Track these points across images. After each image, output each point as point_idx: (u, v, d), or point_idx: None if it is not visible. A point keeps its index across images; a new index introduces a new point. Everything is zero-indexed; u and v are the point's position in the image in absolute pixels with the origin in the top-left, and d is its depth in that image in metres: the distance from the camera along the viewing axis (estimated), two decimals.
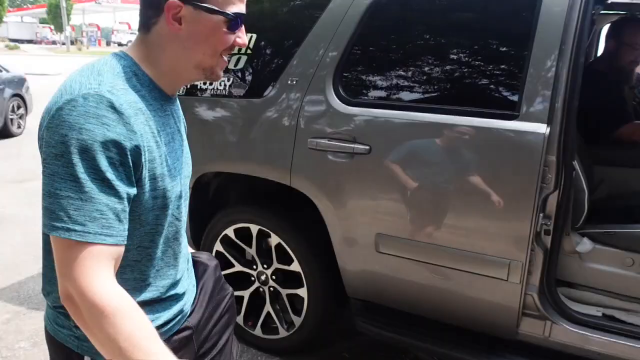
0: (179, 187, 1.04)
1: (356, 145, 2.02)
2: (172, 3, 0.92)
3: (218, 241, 2.54)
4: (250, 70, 2.46)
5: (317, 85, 2.15)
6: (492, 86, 1.99)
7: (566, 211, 1.92)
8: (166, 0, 0.92)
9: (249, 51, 2.43)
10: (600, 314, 1.99)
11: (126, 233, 0.89)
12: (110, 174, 0.85)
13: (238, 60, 2.45)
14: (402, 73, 2.10)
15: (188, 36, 0.95)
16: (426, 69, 2.07)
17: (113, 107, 0.86)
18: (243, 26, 0.99)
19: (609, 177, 2.56)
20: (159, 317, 1.06)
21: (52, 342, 1.04)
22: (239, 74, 2.46)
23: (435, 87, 2.05)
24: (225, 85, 2.48)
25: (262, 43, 2.42)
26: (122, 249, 0.89)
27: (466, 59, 2.03)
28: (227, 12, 0.95)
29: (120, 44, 47.74)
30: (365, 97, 2.14)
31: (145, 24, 0.97)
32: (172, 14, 0.93)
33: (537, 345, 1.99)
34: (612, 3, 2.96)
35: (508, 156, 1.84)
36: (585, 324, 1.91)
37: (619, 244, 2.05)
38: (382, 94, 2.12)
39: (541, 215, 1.82)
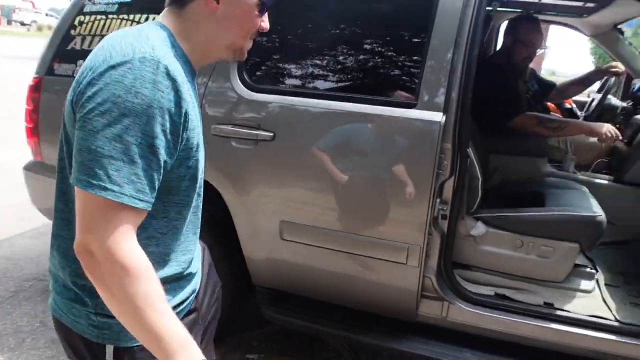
0: (204, 161, 1.08)
1: (260, 132, 2.00)
2: None
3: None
4: None
5: (221, 71, 2.10)
6: (393, 76, 2.04)
7: (461, 196, 2.01)
8: None
9: None
10: (492, 293, 2.11)
11: (153, 200, 0.90)
12: (158, 141, 0.87)
13: None
14: (307, 61, 2.11)
15: (224, 16, 0.97)
16: (330, 58, 2.08)
17: (168, 74, 0.88)
18: (267, 12, 1.04)
19: (503, 165, 2.72)
20: (177, 296, 1.07)
21: (69, 333, 1.02)
22: None
23: (339, 75, 2.07)
24: None
25: None
26: (145, 214, 0.91)
27: (368, 49, 2.06)
28: None
29: (23, 24, 44.20)
30: (270, 84, 2.12)
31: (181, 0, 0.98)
32: None
33: (437, 327, 2.08)
34: (508, 1, 3.15)
35: (407, 143, 1.90)
36: (480, 304, 2.03)
37: (510, 227, 2.19)
38: (287, 81, 2.11)
39: (438, 200, 1.89)
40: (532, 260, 2.18)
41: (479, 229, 2.17)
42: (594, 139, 2.89)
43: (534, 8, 3.26)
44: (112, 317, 0.95)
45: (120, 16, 2.42)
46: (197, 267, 1.16)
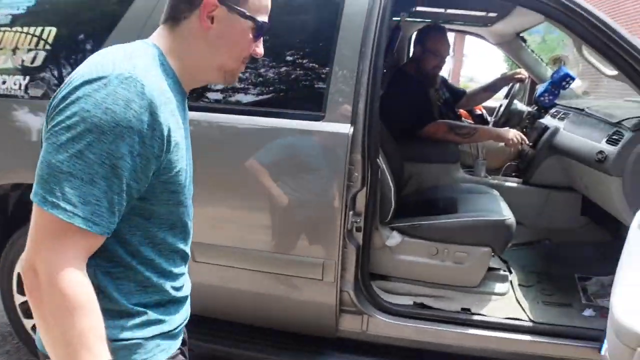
0: (192, 185, 1.04)
1: None
2: (209, 1, 0.93)
3: (19, 263, 2.24)
4: (50, 68, 2.20)
5: None
6: (300, 89, 2.01)
7: (374, 207, 1.99)
8: None
9: (47, 47, 2.17)
10: (411, 303, 2.10)
11: (113, 226, 0.85)
12: (123, 162, 0.82)
13: (35, 56, 2.18)
14: None
15: (217, 36, 0.95)
16: None
17: (143, 93, 0.83)
18: (261, 38, 1.02)
19: (418, 172, 2.75)
20: (172, 320, 1.02)
21: None
22: (37, 73, 2.19)
23: (246, 89, 2.01)
24: (21, 84, 2.20)
25: (63, 37, 2.18)
26: (102, 240, 0.85)
27: (275, 61, 2.01)
28: (257, 19, 0.97)
29: None
30: None
31: (175, 17, 0.96)
32: (207, 11, 0.93)
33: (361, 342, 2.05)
34: (416, 11, 3.22)
35: (316, 157, 1.87)
36: (399, 314, 2.01)
37: (425, 235, 2.19)
38: (192, 96, 2.02)
39: (351, 213, 1.87)
40: (448, 267, 2.19)
41: (395, 238, 2.16)
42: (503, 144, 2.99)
43: (441, 18, 3.35)
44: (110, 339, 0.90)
45: (14, 29, 2.26)
46: (187, 292, 1.11)
